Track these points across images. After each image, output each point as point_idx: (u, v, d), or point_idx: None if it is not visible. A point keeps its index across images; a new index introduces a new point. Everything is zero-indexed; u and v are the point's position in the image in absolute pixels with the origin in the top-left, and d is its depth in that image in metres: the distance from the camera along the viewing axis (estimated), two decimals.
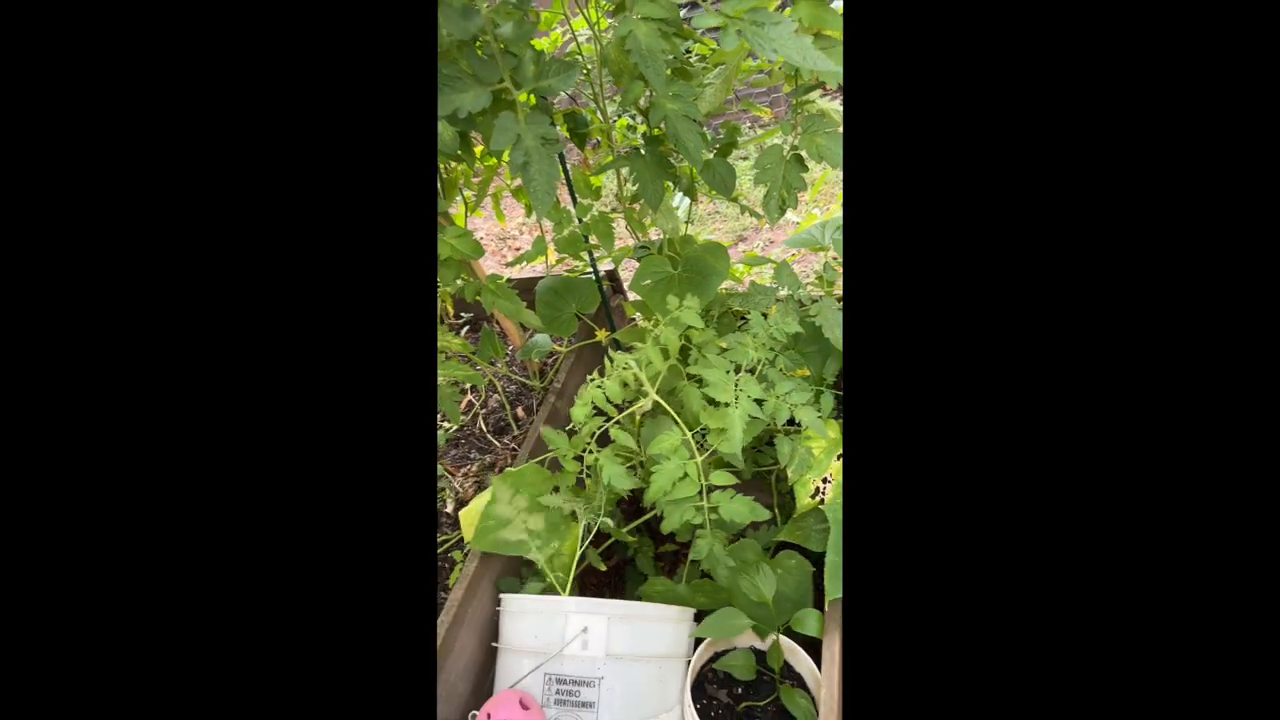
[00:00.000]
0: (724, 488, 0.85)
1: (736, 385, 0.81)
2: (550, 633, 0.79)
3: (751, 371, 0.84)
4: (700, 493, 0.85)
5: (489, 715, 0.74)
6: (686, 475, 0.85)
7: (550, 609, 0.81)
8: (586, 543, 0.91)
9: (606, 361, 0.93)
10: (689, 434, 0.85)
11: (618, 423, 0.92)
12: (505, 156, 1.11)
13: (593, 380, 0.93)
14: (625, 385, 0.90)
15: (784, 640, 0.84)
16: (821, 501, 0.88)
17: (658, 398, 0.87)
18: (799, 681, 0.85)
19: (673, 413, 0.87)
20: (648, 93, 0.79)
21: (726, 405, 0.79)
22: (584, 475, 0.95)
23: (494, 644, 0.89)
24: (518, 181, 1.24)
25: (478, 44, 0.53)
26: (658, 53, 0.63)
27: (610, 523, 0.94)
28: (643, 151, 0.84)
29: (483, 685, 0.89)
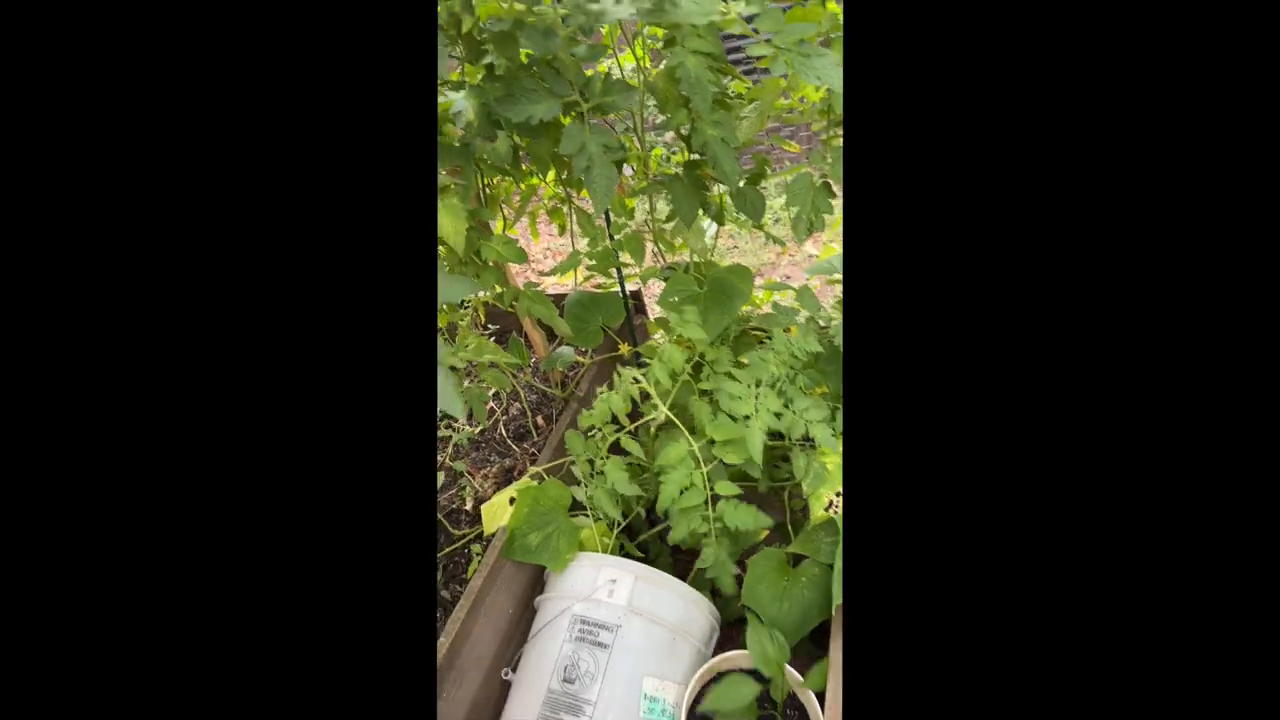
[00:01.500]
0: (729, 497, 0.88)
1: (756, 398, 0.85)
2: (584, 582, 0.91)
3: (771, 386, 0.88)
4: (706, 502, 0.89)
5: None
6: (693, 485, 0.89)
7: (588, 561, 0.93)
8: (615, 534, 0.96)
9: (615, 376, 0.98)
10: (695, 445, 0.89)
11: (630, 433, 0.96)
12: (550, 176, 1.18)
13: (601, 393, 0.98)
14: (634, 400, 0.95)
15: (790, 673, 0.85)
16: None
17: (668, 412, 0.92)
18: (801, 714, 0.86)
19: (681, 426, 0.91)
20: (689, 121, 0.86)
21: (746, 417, 0.83)
22: (593, 475, 0.99)
23: (525, 607, 0.91)
24: (551, 204, 1.31)
25: (551, 61, 0.60)
26: (705, 82, 0.70)
27: (619, 518, 0.97)
28: (680, 175, 0.90)
29: (493, 678, 0.91)
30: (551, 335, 1.41)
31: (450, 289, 0.49)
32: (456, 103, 0.62)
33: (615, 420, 0.95)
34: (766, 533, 0.99)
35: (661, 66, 0.92)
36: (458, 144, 0.71)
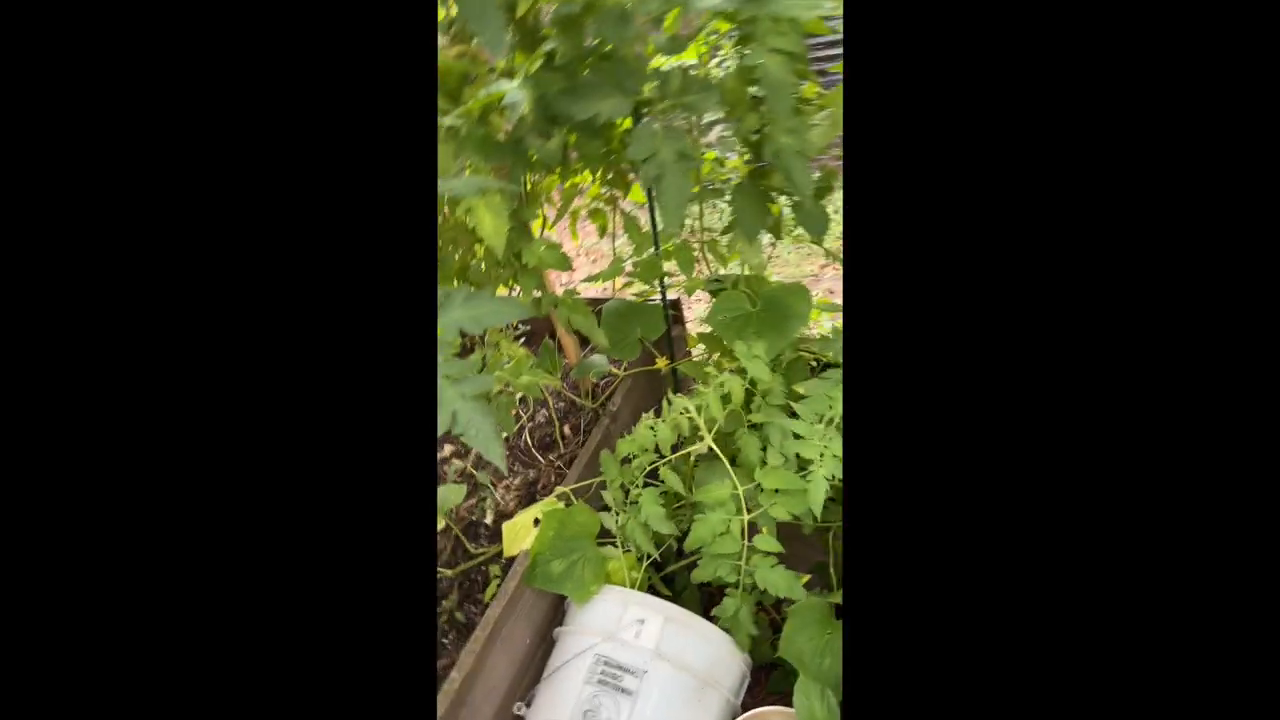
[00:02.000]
0: (767, 554, 0.81)
1: (823, 440, 0.77)
2: (609, 619, 0.84)
3: (830, 423, 0.80)
4: (740, 554, 0.81)
5: None
6: (729, 531, 0.82)
7: (613, 596, 0.86)
8: (644, 567, 0.89)
9: (664, 403, 0.91)
10: (740, 489, 0.82)
11: (669, 463, 0.89)
12: (596, 175, 1.11)
13: (647, 421, 0.91)
14: (679, 429, 0.88)
15: None
16: None
17: (714, 445, 0.84)
18: None
19: (726, 462, 0.84)
20: (759, 126, 0.78)
21: (809, 463, 0.76)
22: (626, 505, 0.92)
23: (543, 637, 0.85)
24: (594, 205, 1.24)
25: (615, 53, 0.53)
26: (786, 85, 0.62)
27: (653, 551, 0.90)
28: (744, 184, 0.83)
29: (506, 711, 0.85)
30: (585, 340, 1.35)
31: (499, 311, 0.43)
32: (510, 93, 0.55)
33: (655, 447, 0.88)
34: (808, 577, 0.91)
35: (720, 64, 0.85)
36: (507, 140, 0.64)
